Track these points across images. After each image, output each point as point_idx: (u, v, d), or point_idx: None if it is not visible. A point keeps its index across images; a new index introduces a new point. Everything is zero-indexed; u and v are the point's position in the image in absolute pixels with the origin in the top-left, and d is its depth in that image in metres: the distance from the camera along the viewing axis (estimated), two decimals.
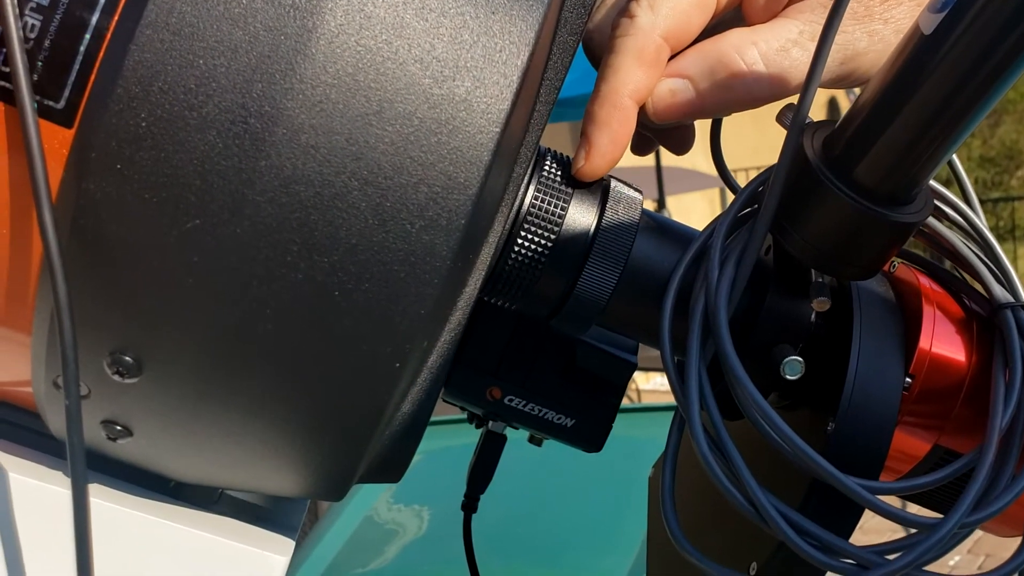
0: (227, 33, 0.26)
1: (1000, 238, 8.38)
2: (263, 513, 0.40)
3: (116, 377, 0.29)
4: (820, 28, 0.37)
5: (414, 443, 0.35)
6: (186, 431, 0.31)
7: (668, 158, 4.93)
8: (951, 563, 3.71)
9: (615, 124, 0.38)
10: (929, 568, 0.35)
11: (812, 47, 0.37)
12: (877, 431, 0.37)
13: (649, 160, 5.04)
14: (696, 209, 6.56)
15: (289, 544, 0.37)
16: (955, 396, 0.38)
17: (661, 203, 4.69)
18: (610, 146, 0.38)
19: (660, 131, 0.44)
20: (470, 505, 0.52)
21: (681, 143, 0.45)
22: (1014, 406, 0.36)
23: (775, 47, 0.39)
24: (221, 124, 0.26)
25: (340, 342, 0.29)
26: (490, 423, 0.51)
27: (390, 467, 0.35)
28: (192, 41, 0.26)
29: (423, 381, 0.34)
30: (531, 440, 0.52)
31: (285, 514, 0.41)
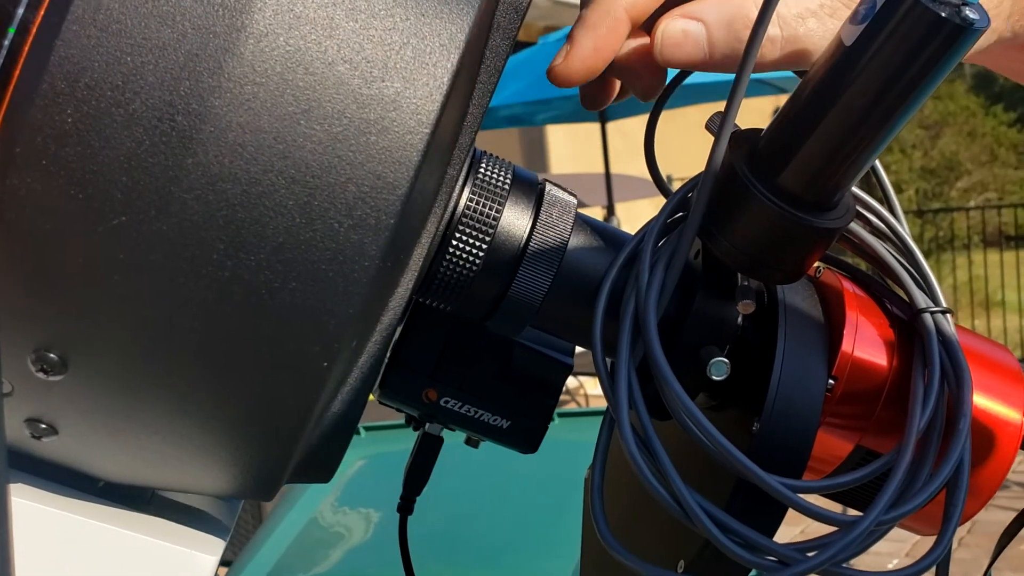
0: (155, 31, 0.26)
1: (940, 248, 8.57)
2: (194, 513, 0.40)
3: (40, 375, 0.29)
4: (841, 4, 0.37)
5: (344, 443, 0.35)
6: (112, 429, 0.31)
7: (617, 166, 4.97)
8: (890, 566, 3.78)
9: (603, 30, 0.36)
10: (851, 565, 0.35)
11: (829, 22, 0.37)
12: (800, 431, 0.38)
13: (599, 167, 5.08)
14: (645, 216, 6.56)
15: (219, 544, 0.37)
16: (876, 398, 0.39)
17: (610, 210, 4.73)
18: (592, 52, 0.36)
19: (630, 71, 0.41)
20: (406, 507, 0.52)
21: (650, 87, 0.42)
22: (932, 408, 0.37)
23: (794, 11, 0.37)
24: (148, 121, 0.26)
25: (267, 340, 0.29)
26: (427, 425, 0.51)
27: (320, 467, 0.35)
28: (119, 38, 0.26)
29: (354, 381, 0.34)
30: (468, 442, 0.52)
31: (217, 514, 0.40)
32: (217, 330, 0.28)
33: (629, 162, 4.14)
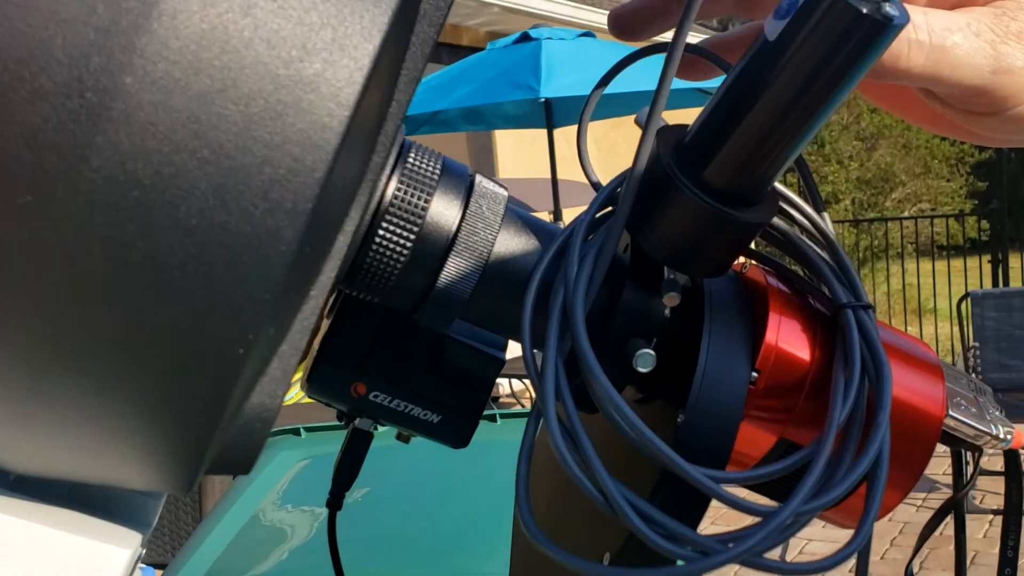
0: (63, 4, 0.25)
1: (875, 256, 8.76)
2: (113, 508, 0.39)
3: None
4: (987, 26, 0.37)
5: (264, 434, 0.34)
6: (20, 418, 0.30)
7: (564, 171, 4.99)
8: None
9: None
10: (770, 556, 0.36)
11: (975, 41, 0.37)
12: (724, 423, 0.38)
13: (546, 172, 5.10)
14: None
15: (136, 537, 0.36)
16: (798, 391, 0.40)
17: (557, 215, 4.76)
18: None
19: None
20: (335, 503, 0.52)
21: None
22: (852, 401, 0.38)
23: (940, 24, 0.37)
24: (55, 97, 0.25)
25: (180, 326, 0.28)
26: (357, 420, 0.50)
27: (239, 458, 0.34)
28: (24, 10, 0.25)
29: (274, 371, 0.33)
30: (399, 437, 0.52)
31: (136, 509, 0.40)
32: (127, 314, 0.27)
33: (576, 168, 4.16)
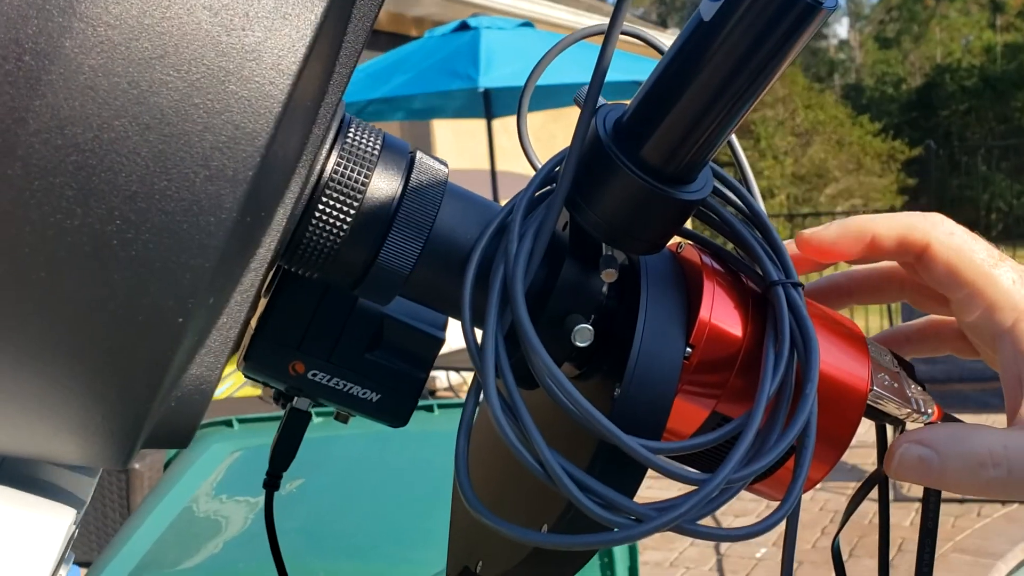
0: None
1: None
2: (46, 484, 0.38)
3: None
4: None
5: (202, 408, 0.34)
6: None
7: (503, 163, 5.00)
8: (757, 555, 3.93)
9: (849, 237, 0.45)
10: (703, 523, 0.37)
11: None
12: (659, 396, 0.39)
13: (484, 164, 5.10)
14: None
15: (69, 513, 0.35)
16: (731, 366, 0.41)
17: None
18: (831, 244, 0.45)
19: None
20: (272, 483, 0.52)
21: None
22: (781, 375, 0.39)
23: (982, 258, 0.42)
24: None
25: (119, 293, 0.28)
26: (294, 400, 0.50)
27: (177, 432, 0.34)
28: None
29: (213, 343, 0.33)
30: (337, 417, 0.52)
31: (70, 485, 0.39)
32: (65, 281, 0.27)
33: (515, 160, 4.17)
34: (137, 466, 3.09)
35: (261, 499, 1.54)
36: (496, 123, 5.02)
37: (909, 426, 0.46)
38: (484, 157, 5.08)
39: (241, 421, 1.85)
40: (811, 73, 26.81)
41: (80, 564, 2.61)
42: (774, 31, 0.33)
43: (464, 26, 4.77)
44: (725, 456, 0.37)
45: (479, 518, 0.37)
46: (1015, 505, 3.90)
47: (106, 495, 3.11)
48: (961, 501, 4.09)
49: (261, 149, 0.28)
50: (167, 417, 0.33)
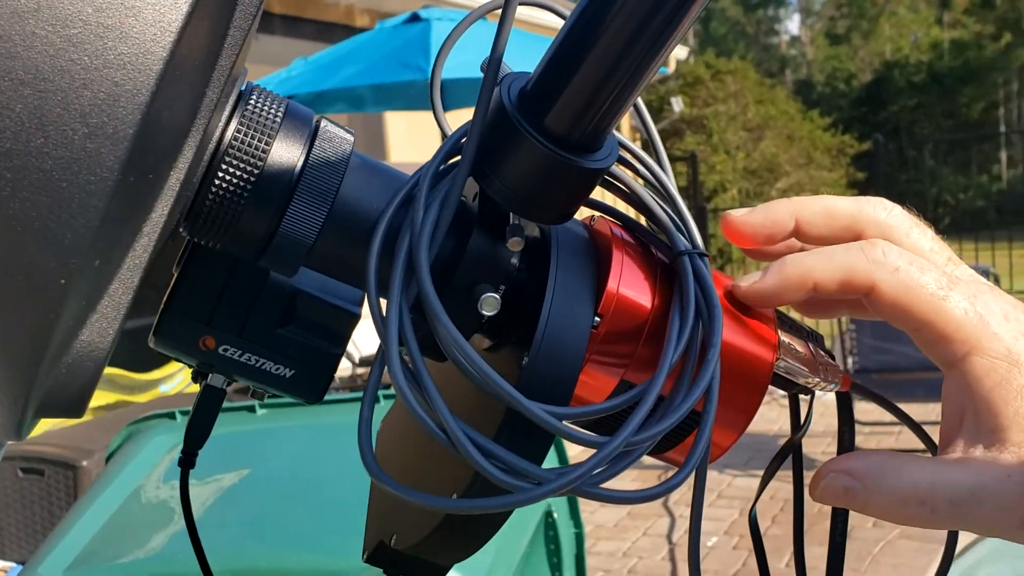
0: None
1: None
2: None
3: None
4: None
5: (95, 374, 0.33)
6: None
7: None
8: (709, 544, 3.98)
9: (791, 286, 0.42)
10: (607, 486, 0.37)
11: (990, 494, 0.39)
12: (567, 364, 0.39)
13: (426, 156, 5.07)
14: None
15: None
16: (638, 335, 0.41)
17: None
18: (772, 294, 0.43)
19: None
20: (187, 461, 0.51)
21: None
22: (685, 341, 0.39)
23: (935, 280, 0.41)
24: None
25: None
26: (209, 377, 0.49)
27: (69, 400, 0.33)
28: None
29: (104, 308, 0.32)
30: (253, 395, 0.51)
31: None
32: None
33: None
34: (85, 463, 3.03)
35: (202, 491, 1.52)
36: (449, 115, 4.99)
37: (817, 395, 0.47)
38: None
39: (184, 413, 1.83)
40: (763, 69, 27.14)
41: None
42: None
43: (415, 17, 4.75)
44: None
45: (383, 487, 0.37)
46: None
47: (52, 493, 3.06)
48: None
49: (142, 107, 0.27)
50: (58, 384, 0.33)
